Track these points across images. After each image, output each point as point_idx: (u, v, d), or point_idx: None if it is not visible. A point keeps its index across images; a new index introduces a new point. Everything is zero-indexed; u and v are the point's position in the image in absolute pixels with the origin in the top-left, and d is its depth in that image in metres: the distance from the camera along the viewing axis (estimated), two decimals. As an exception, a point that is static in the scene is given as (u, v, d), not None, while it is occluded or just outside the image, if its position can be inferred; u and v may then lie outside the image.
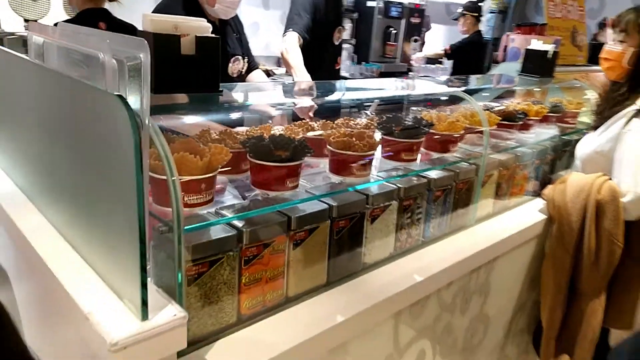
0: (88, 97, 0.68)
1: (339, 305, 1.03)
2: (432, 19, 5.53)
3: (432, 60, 4.86)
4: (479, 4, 4.27)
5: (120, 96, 0.59)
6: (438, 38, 6.26)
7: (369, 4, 4.37)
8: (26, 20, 2.79)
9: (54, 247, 0.82)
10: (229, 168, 0.97)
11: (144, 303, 0.65)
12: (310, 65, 2.25)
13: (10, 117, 1.06)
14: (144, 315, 0.66)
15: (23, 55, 0.93)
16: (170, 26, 0.95)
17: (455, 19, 4.49)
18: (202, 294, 0.85)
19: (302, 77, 2.21)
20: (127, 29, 2.02)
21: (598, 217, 1.54)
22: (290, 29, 2.26)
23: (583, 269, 1.57)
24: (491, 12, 7.33)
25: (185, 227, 0.79)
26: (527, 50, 2.04)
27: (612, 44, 1.63)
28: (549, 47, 2.06)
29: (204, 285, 0.86)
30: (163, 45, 0.92)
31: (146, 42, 0.73)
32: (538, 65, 2.05)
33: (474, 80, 2.15)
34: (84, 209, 0.76)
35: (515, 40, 2.42)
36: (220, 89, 1.03)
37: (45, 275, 0.78)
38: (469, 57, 4.25)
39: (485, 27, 7.05)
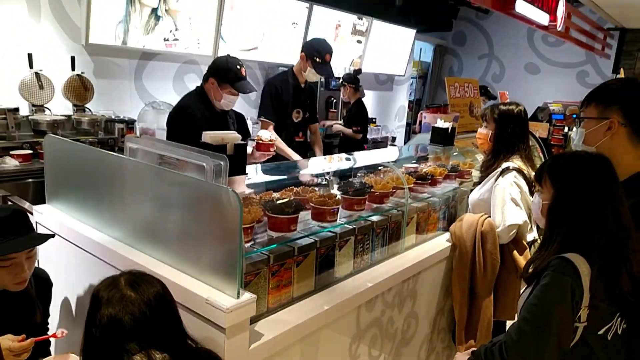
0: (206, 187, 1.34)
1: (323, 301, 1.68)
2: (364, 87, 6.51)
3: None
4: (357, 76, 5.20)
5: (230, 189, 1.25)
6: (371, 101, 7.27)
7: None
8: (34, 105, 3.32)
9: (167, 270, 1.44)
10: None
11: (239, 291, 1.29)
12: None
13: (111, 194, 1.66)
14: (238, 296, 1.29)
15: (147, 162, 1.56)
16: (220, 139, 1.63)
17: (337, 89, 5.33)
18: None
19: (292, 154, 2.98)
20: None
21: (483, 242, 2.32)
22: (263, 117, 3.02)
23: (477, 278, 2.33)
24: (412, 78, 8.55)
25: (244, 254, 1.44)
26: (433, 127, 2.89)
27: (482, 128, 2.49)
28: (448, 125, 2.92)
29: (251, 288, 1.50)
30: (218, 151, 1.60)
31: (225, 156, 1.41)
32: (442, 138, 2.89)
33: (401, 151, 2.95)
34: (194, 246, 1.39)
35: (427, 118, 3.30)
36: (247, 172, 1.71)
37: (169, 286, 1.38)
38: (357, 121, 5.17)
39: (408, 89, 8.23)
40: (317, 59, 2.99)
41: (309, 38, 5.34)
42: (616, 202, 1.34)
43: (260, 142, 2.47)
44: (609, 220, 1.32)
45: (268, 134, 2.50)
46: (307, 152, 3.33)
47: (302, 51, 3.09)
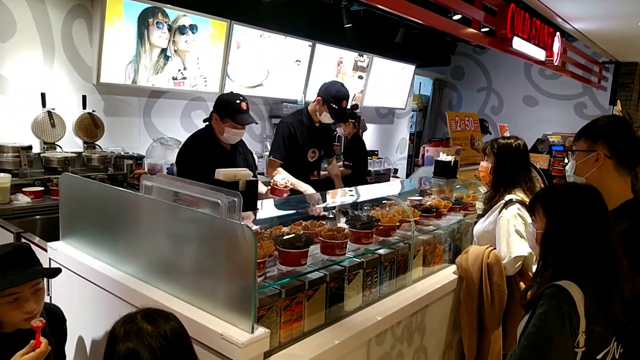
0: (221, 223, 1.38)
1: (333, 335, 1.70)
2: (366, 120, 6.64)
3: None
4: (354, 111, 5.27)
5: (245, 224, 1.30)
6: (373, 134, 7.39)
7: (318, 113, 5.35)
8: (45, 143, 3.40)
9: (182, 305, 1.46)
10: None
11: (253, 326, 1.32)
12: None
13: (126, 230, 1.71)
14: (252, 331, 1.32)
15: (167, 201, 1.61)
16: (232, 175, 1.69)
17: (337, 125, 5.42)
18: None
19: (303, 187, 2.98)
20: None
21: (489, 274, 2.34)
22: (272, 156, 3.09)
23: (485, 310, 2.34)
24: (413, 111, 8.71)
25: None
26: (436, 160, 2.95)
27: (484, 161, 2.55)
28: (451, 158, 2.99)
29: (264, 322, 1.52)
30: (231, 187, 1.65)
31: (239, 193, 1.46)
32: (445, 171, 2.95)
33: (405, 184, 3.01)
34: (208, 282, 1.43)
35: (430, 151, 3.37)
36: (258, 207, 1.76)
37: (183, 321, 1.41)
38: (356, 155, 5.25)
39: (409, 122, 8.36)
40: (334, 105, 3.04)
41: (312, 75, 5.49)
42: (605, 230, 1.40)
43: (276, 187, 2.55)
44: (599, 248, 1.38)
45: (283, 180, 2.58)
46: (321, 190, 3.36)
47: (318, 95, 3.12)
